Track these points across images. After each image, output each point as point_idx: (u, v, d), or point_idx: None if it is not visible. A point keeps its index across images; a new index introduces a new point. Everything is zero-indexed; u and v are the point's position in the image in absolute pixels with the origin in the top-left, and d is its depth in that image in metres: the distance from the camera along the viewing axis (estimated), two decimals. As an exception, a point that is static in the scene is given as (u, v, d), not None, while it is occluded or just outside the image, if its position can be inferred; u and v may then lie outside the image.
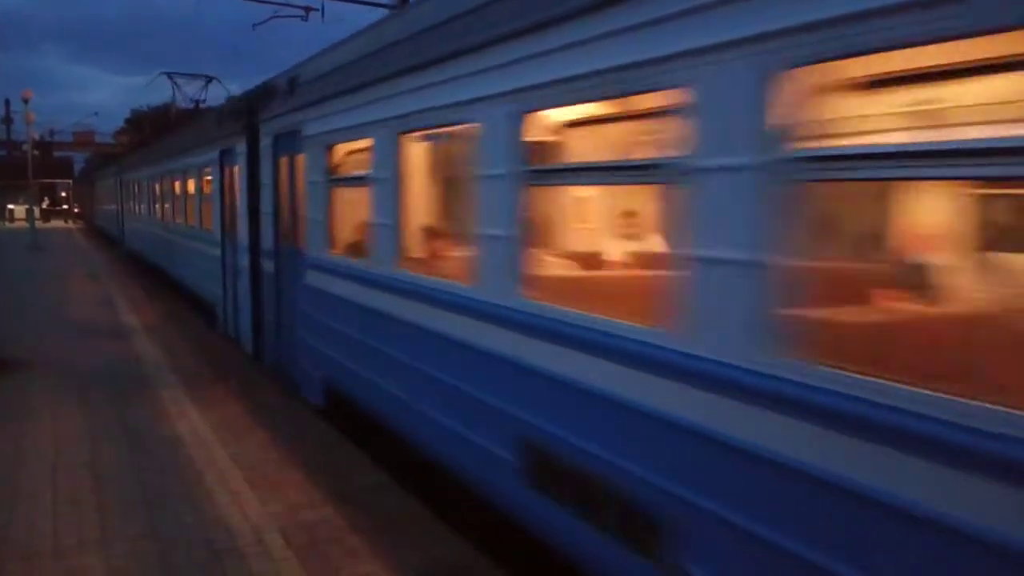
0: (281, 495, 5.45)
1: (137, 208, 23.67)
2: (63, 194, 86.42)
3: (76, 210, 76.15)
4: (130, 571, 4.36)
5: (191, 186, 14.50)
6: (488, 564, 4.52)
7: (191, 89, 25.68)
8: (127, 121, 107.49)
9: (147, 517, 5.05)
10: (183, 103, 26.84)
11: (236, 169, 10.64)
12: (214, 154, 11.81)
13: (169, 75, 25.50)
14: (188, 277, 14.82)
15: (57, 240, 39.07)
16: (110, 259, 26.63)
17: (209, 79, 25.88)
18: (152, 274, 20.49)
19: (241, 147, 10.07)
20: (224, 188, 11.47)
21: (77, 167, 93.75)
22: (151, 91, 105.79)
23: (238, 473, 5.84)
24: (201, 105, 25.94)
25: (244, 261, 10.26)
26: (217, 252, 11.86)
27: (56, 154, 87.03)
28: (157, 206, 18.97)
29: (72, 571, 4.35)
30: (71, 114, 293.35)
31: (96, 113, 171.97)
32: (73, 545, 4.66)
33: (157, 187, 18.74)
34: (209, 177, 12.60)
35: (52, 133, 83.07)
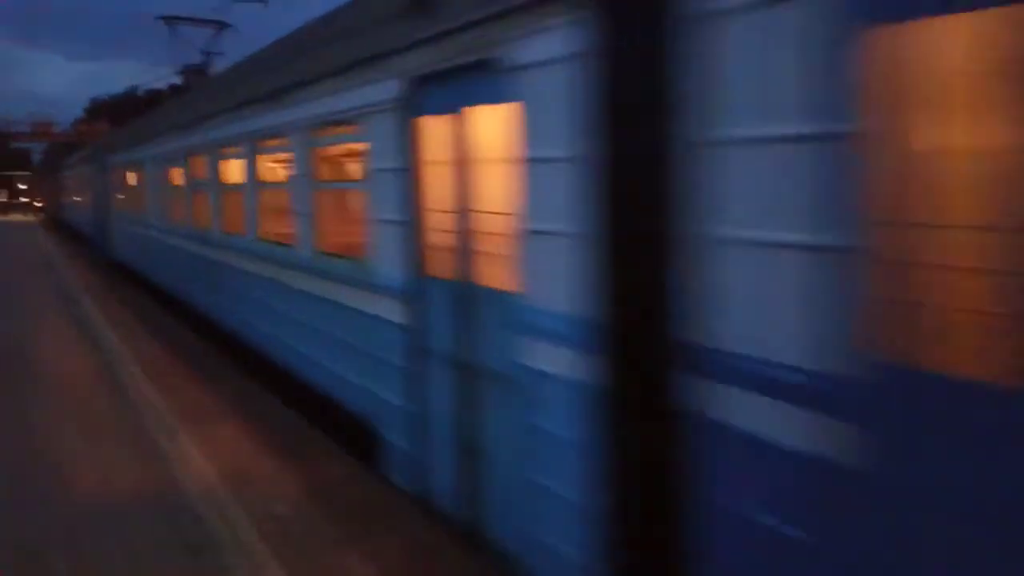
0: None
1: (136, 204, 16.53)
2: (21, 186, 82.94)
3: (38, 204, 69.45)
4: None
5: (270, 169, 7.87)
6: (457, 547, 4.46)
7: (200, 39, 19.04)
8: (87, 110, 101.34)
9: None
10: (188, 59, 20.07)
11: (500, 116, 4.13)
12: (383, 90, 5.19)
13: (168, 20, 18.77)
14: (279, 342, 7.76)
15: (17, 239, 31.84)
16: (92, 274, 19.63)
17: (221, 25, 19.17)
18: (157, 297, 13.80)
19: (554, 42, 3.55)
20: (413, 171, 4.89)
21: (35, 159, 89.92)
22: (111, 79, 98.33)
23: None
24: (214, 57, 19.29)
25: (549, 364, 3.75)
26: (389, 313, 5.27)
27: (13, 145, 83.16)
28: (184, 203, 11.81)
29: None
30: (25, 102, 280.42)
31: (54, 102, 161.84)
32: None
33: (182, 173, 11.83)
34: (349, 147, 6.05)
35: (8, 123, 79.15)
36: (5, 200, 74.33)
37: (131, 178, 16.79)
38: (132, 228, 16.76)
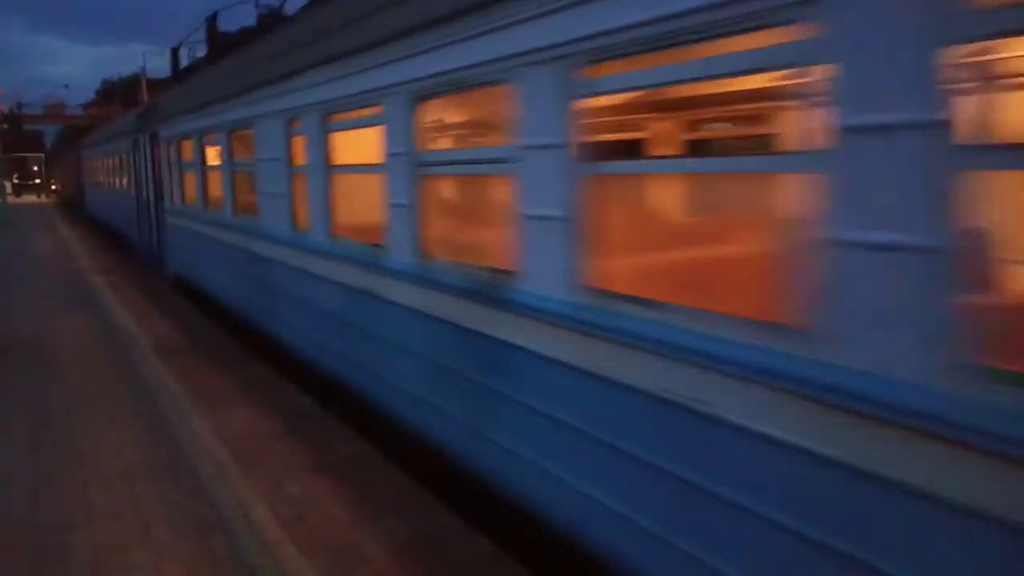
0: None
1: (226, 197, 9.89)
2: (35, 168, 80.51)
3: (53, 187, 65.00)
4: None
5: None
6: (468, 531, 4.51)
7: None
8: (98, 92, 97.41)
9: None
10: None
11: None
12: None
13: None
14: None
15: (34, 235, 25.83)
16: (160, 315, 13.65)
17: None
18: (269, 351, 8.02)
19: None
20: None
21: (48, 141, 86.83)
22: (121, 61, 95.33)
23: None
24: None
25: None
26: None
27: (26, 127, 79.78)
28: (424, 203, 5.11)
29: None
30: (38, 86, 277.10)
31: (66, 85, 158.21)
32: None
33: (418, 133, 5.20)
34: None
35: (20, 106, 75.48)
36: (18, 182, 70.14)
37: (211, 155, 10.81)
38: (214, 233, 10.69)
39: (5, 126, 61.29)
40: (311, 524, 4.67)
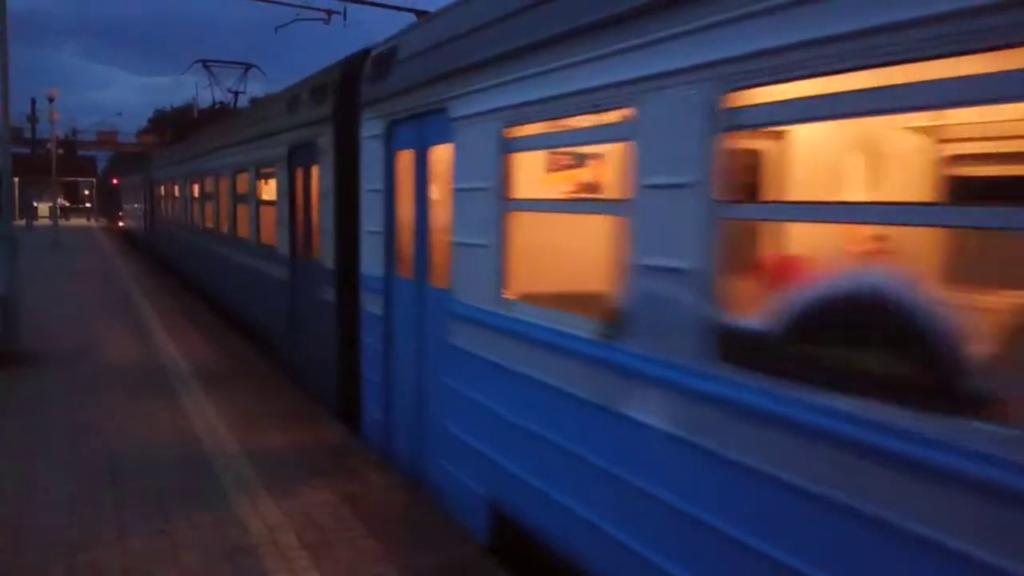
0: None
1: None
2: (86, 192, 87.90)
3: (121, 224, 48.07)
4: None
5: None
6: (495, 564, 4.42)
7: (228, 80, 22.06)
8: (150, 121, 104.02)
9: None
10: (219, 96, 21.31)
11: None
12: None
13: (205, 63, 22.01)
14: None
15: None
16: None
17: (247, 67, 22.46)
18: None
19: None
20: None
21: (99, 166, 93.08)
22: (174, 91, 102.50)
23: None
24: (240, 96, 22.11)
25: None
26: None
27: (79, 153, 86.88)
28: None
29: None
30: (92, 113, 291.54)
31: (120, 113, 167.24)
32: None
33: None
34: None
35: (75, 132, 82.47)
36: (68, 205, 76.33)
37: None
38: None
39: (61, 151, 67.23)
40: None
